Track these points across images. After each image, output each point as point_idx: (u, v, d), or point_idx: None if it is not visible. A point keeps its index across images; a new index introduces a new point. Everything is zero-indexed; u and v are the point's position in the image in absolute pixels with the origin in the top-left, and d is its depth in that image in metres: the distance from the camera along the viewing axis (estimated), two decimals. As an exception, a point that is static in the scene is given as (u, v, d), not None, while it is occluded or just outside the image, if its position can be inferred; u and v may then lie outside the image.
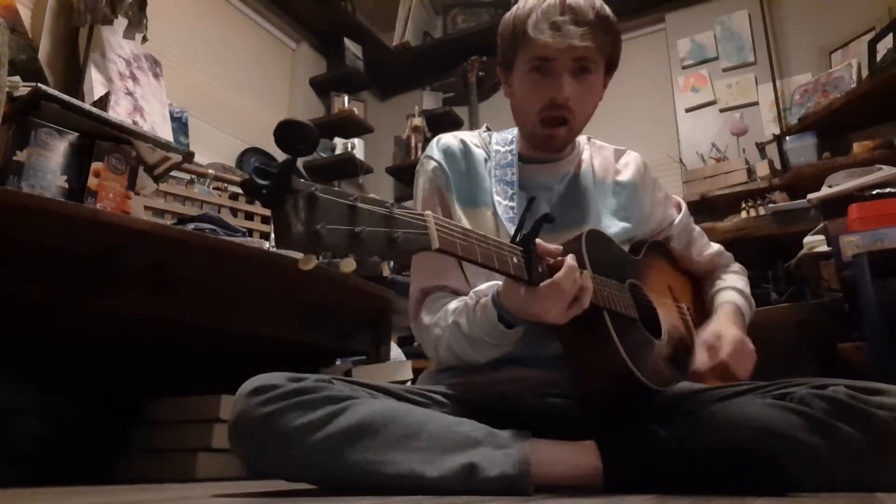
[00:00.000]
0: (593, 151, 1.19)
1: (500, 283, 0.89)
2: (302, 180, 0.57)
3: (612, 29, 1.04)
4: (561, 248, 0.85)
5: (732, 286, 1.19)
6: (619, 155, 1.22)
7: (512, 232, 0.83)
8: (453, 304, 1.00)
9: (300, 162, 3.40)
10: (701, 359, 0.99)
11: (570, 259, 0.82)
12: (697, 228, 1.26)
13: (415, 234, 0.64)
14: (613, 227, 1.10)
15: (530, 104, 1.06)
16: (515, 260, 0.78)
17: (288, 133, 0.57)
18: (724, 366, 0.97)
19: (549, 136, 1.07)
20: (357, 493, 0.84)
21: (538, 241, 0.81)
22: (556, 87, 1.01)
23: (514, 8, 1.06)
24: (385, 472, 0.80)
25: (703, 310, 1.21)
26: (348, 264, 0.59)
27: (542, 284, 0.79)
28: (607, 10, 1.03)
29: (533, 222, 0.80)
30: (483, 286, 0.98)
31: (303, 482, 0.88)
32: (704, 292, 1.23)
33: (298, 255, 0.59)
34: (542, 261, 0.81)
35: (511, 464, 0.80)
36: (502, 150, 1.13)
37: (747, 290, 1.20)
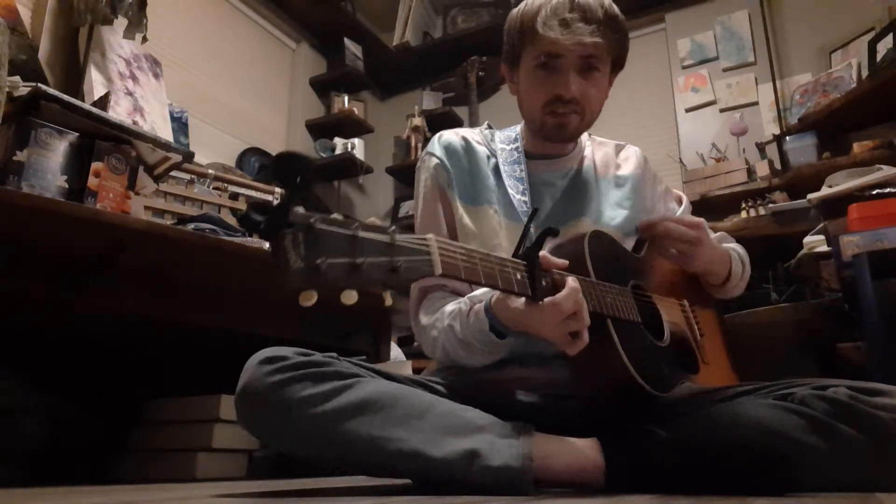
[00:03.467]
0: (595, 147, 1.20)
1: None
2: (301, 211, 0.56)
3: (621, 28, 1.04)
4: (566, 262, 0.84)
5: (732, 247, 1.20)
6: (619, 150, 1.23)
7: (521, 227, 0.83)
8: (450, 307, 0.99)
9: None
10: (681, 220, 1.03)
11: (572, 280, 0.81)
12: (700, 219, 1.26)
13: (417, 262, 0.63)
14: (617, 217, 1.11)
15: (536, 99, 1.06)
16: (519, 276, 0.77)
17: (284, 166, 0.56)
18: (693, 229, 1.02)
19: (558, 125, 1.07)
20: (357, 491, 0.84)
21: (542, 253, 0.81)
22: (562, 84, 1.02)
23: (523, 4, 1.06)
24: (388, 449, 0.80)
25: (705, 305, 1.21)
26: (349, 296, 0.58)
27: (544, 301, 0.79)
28: (616, 9, 1.03)
29: (536, 236, 0.80)
30: (478, 292, 0.97)
31: (306, 454, 0.87)
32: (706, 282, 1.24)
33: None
34: (546, 274, 0.81)
35: (514, 455, 0.79)
36: (508, 147, 1.13)
37: (745, 257, 1.21)
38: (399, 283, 0.62)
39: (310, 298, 0.56)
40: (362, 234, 0.59)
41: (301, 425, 0.82)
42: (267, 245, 1.72)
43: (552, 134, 1.09)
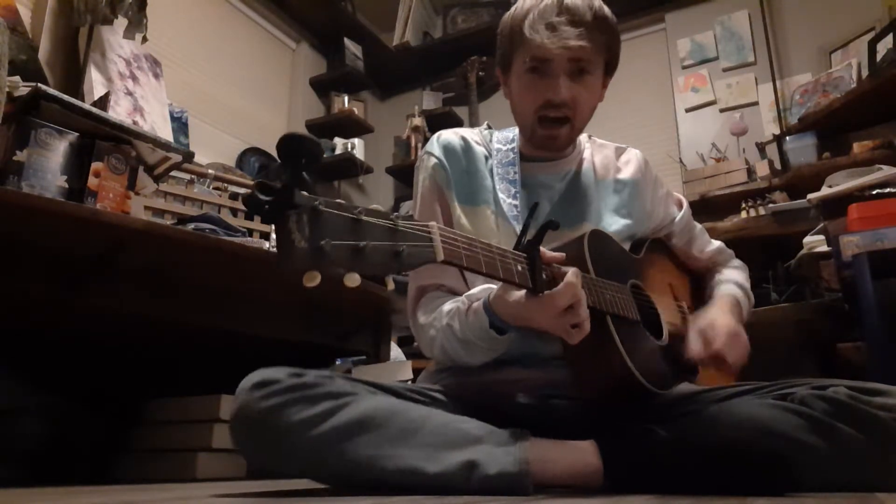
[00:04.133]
0: (594, 150, 1.19)
1: (494, 286, 0.89)
2: (305, 194, 0.56)
3: (610, 29, 1.03)
4: (564, 255, 0.84)
5: (732, 280, 1.19)
6: (619, 153, 1.21)
7: (513, 230, 0.83)
8: (448, 306, 0.99)
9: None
10: (695, 347, 0.99)
11: (572, 273, 0.81)
12: (699, 226, 1.26)
13: (420, 247, 0.63)
14: (615, 224, 1.10)
15: (527, 104, 1.06)
16: (520, 268, 0.78)
17: (289, 147, 0.56)
18: (717, 356, 0.98)
19: (548, 137, 1.07)
20: (357, 491, 0.84)
21: (542, 248, 0.81)
22: (552, 88, 1.01)
23: (513, 8, 1.06)
24: (385, 468, 0.80)
25: (703, 307, 1.21)
26: (352, 279, 0.58)
27: (544, 294, 0.79)
28: (606, 10, 1.03)
29: (537, 229, 0.80)
30: (476, 290, 0.97)
31: (303, 477, 0.88)
32: (704, 288, 1.24)
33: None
34: (546, 267, 0.81)
35: (511, 462, 0.80)
36: (504, 148, 1.12)
37: (747, 285, 1.20)
38: (402, 269, 0.62)
39: (313, 279, 0.56)
40: (366, 218, 0.59)
41: (297, 449, 0.82)
42: (267, 245, 1.72)
43: (542, 145, 1.09)
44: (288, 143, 0.56)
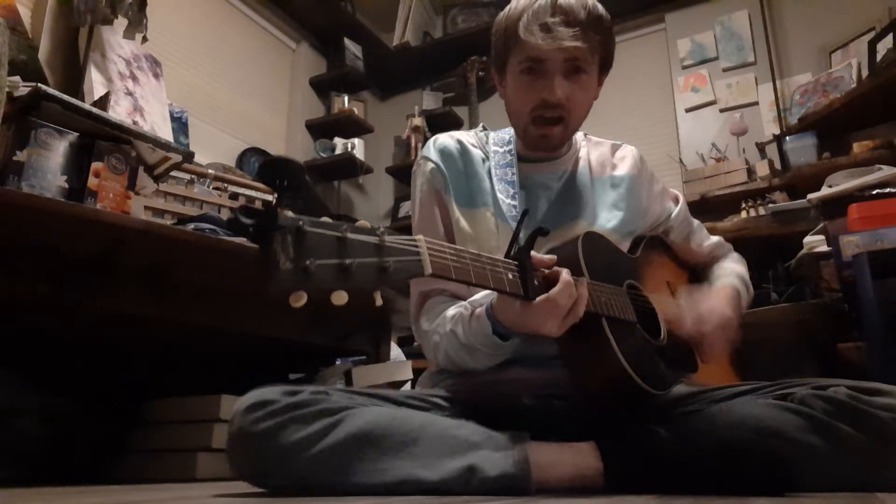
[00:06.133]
0: (590, 148, 1.19)
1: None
2: (290, 214, 0.56)
3: (605, 28, 1.03)
4: (555, 258, 0.84)
5: (732, 272, 1.20)
6: (615, 149, 1.21)
7: (513, 230, 0.82)
8: (451, 311, 0.99)
9: (303, 163, 3.39)
10: (687, 328, 1.01)
11: (565, 273, 0.81)
12: (696, 221, 1.27)
13: (406, 262, 0.63)
14: (613, 220, 1.10)
15: (522, 104, 1.05)
16: (511, 276, 0.77)
17: (270, 170, 0.56)
18: (705, 338, 1.01)
19: (542, 136, 1.06)
20: (358, 493, 0.84)
21: (532, 253, 0.81)
22: (547, 88, 1.01)
23: (507, 9, 1.06)
24: (385, 480, 0.80)
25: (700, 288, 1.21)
26: (339, 297, 0.58)
27: (537, 300, 0.79)
28: (600, 8, 1.02)
29: (527, 236, 0.80)
30: (478, 296, 0.97)
31: (308, 492, 0.87)
32: (703, 283, 1.23)
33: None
34: (537, 273, 0.81)
35: (511, 463, 0.80)
36: (501, 150, 1.12)
37: (747, 277, 1.21)
38: (389, 284, 0.62)
39: (299, 299, 0.56)
40: (351, 235, 0.60)
41: (296, 469, 0.81)
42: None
43: (536, 144, 1.09)
44: (268, 166, 0.56)
